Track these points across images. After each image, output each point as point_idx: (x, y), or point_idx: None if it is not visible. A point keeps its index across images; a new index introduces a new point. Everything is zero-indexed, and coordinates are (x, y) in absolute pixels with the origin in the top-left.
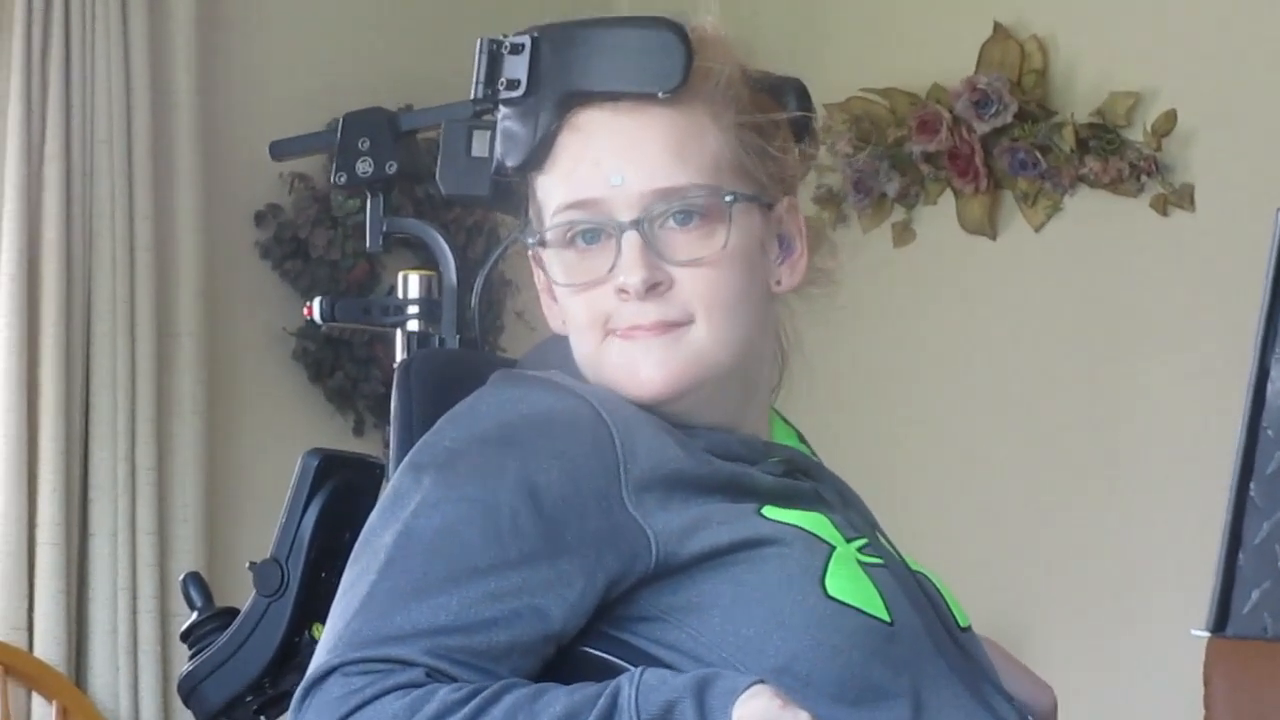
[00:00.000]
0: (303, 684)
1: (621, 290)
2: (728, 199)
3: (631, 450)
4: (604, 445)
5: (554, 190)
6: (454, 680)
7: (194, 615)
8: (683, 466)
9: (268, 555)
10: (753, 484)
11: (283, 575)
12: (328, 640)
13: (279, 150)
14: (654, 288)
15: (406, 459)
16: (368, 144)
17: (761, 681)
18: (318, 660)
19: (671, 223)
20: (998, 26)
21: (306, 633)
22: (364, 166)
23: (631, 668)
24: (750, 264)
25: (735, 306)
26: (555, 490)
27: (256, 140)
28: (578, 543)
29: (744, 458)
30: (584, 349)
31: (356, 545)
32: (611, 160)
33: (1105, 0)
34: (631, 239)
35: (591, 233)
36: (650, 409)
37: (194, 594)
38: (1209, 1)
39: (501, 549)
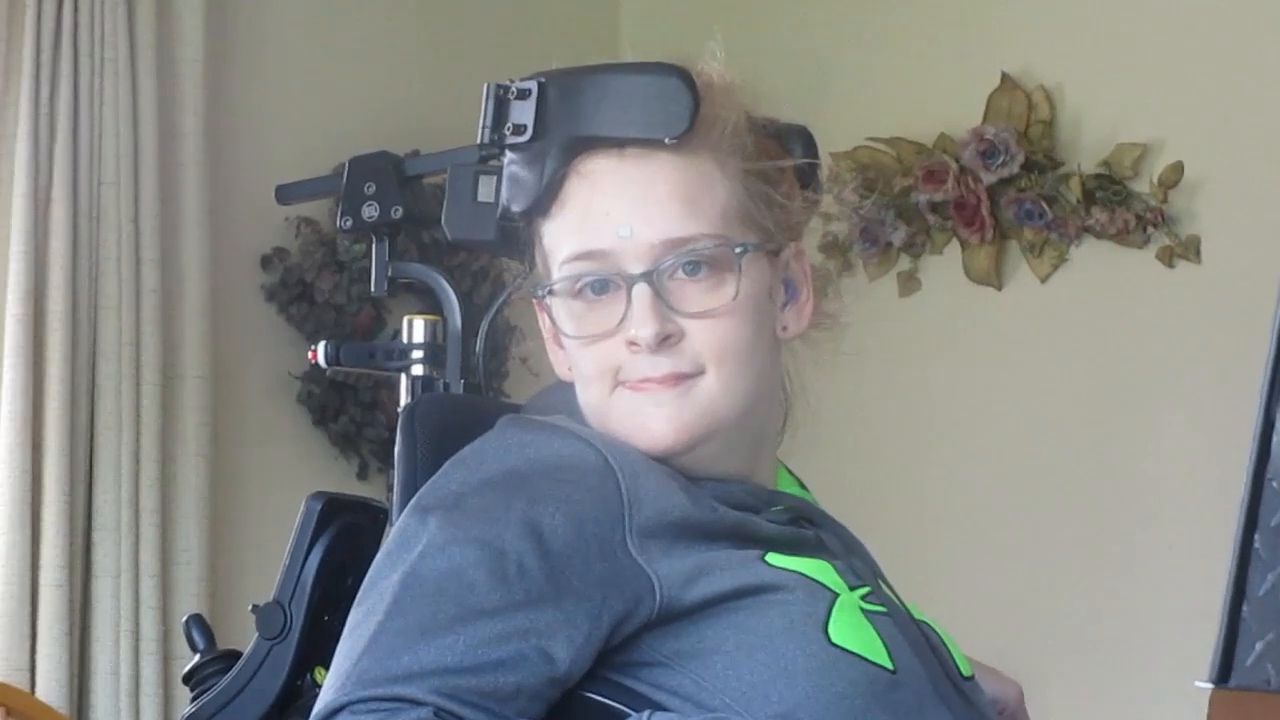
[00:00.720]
0: None
1: (632, 343)
2: (737, 250)
3: (637, 496)
4: (610, 491)
5: (562, 239)
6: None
7: (196, 657)
8: (688, 513)
9: (270, 598)
10: (757, 531)
11: (285, 618)
12: (334, 679)
13: (285, 194)
14: (665, 340)
15: (413, 502)
16: (373, 188)
17: None
18: (324, 699)
19: (681, 273)
20: (1005, 77)
21: (309, 676)
22: (370, 211)
23: (634, 713)
24: (759, 313)
25: (745, 356)
26: (560, 534)
27: (263, 184)
28: (582, 586)
29: (749, 505)
30: (591, 399)
31: (362, 587)
32: (620, 211)
33: (1112, 52)
34: (642, 291)
35: (600, 283)
36: (659, 459)
37: (196, 636)
38: (1216, 54)
39: (508, 591)
